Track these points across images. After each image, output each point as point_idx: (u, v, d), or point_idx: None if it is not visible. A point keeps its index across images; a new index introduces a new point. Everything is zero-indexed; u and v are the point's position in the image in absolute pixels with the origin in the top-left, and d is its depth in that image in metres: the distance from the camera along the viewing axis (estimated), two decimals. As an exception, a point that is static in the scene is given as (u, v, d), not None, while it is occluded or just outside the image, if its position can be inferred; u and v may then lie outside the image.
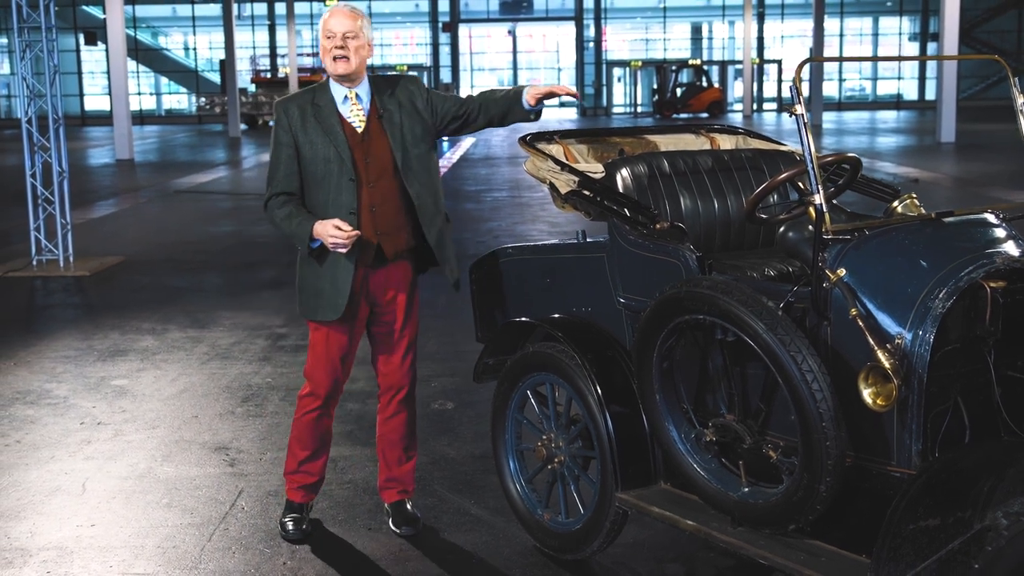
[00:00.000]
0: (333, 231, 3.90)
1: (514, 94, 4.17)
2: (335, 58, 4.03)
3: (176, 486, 4.96)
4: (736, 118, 40.73)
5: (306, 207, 4.08)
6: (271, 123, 4.70)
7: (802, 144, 3.15)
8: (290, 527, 4.39)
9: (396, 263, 4.19)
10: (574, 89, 4.05)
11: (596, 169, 3.94)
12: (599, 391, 3.76)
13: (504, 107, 4.18)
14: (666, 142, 4.40)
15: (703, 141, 4.47)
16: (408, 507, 4.46)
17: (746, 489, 3.31)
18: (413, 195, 4.10)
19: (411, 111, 4.14)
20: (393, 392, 4.36)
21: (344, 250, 3.95)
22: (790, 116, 4.36)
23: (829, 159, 3.50)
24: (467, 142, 27.30)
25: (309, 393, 4.30)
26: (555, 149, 4.16)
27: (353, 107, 4.11)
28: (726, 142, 4.47)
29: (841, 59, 4.02)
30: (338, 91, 4.12)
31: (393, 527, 4.42)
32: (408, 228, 4.18)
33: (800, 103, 3.14)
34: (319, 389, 4.27)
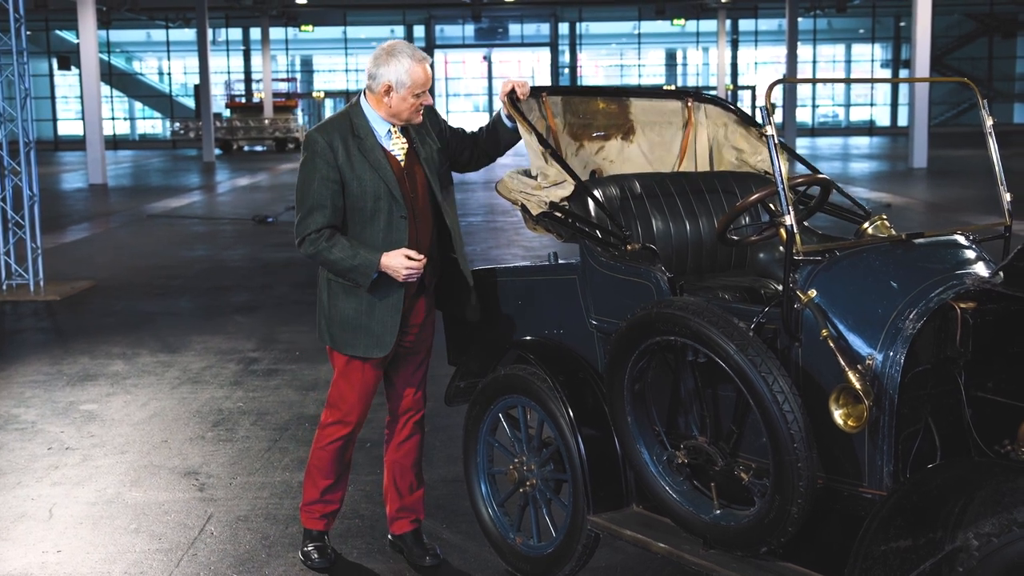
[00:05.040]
0: (407, 262, 3.85)
1: (495, 119, 4.15)
2: (420, 110, 3.96)
3: (144, 511, 4.90)
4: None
5: None
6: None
7: (773, 166, 3.15)
8: (315, 556, 4.28)
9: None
10: (524, 83, 4.02)
11: (565, 188, 3.90)
12: (571, 413, 3.74)
13: (490, 130, 4.15)
14: (645, 108, 4.35)
15: (680, 112, 4.41)
16: (424, 538, 4.37)
17: (718, 511, 3.30)
18: (449, 224, 4.08)
19: (435, 141, 4.10)
20: (409, 415, 4.29)
21: (416, 279, 3.91)
22: (759, 138, 4.35)
23: (800, 181, 3.50)
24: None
25: (337, 421, 4.17)
26: (536, 118, 4.09)
27: (396, 139, 4.00)
28: (703, 122, 4.41)
29: (810, 80, 4.04)
30: (380, 124, 3.97)
31: (414, 560, 4.30)
32: (437, 257, 4.15)
33: (771, 124, 3.14)
34: (350, 417, 4.15)
